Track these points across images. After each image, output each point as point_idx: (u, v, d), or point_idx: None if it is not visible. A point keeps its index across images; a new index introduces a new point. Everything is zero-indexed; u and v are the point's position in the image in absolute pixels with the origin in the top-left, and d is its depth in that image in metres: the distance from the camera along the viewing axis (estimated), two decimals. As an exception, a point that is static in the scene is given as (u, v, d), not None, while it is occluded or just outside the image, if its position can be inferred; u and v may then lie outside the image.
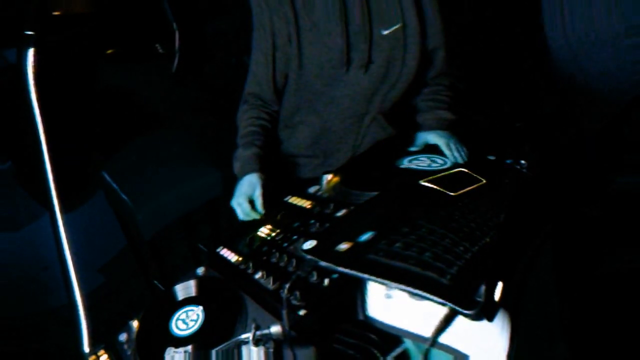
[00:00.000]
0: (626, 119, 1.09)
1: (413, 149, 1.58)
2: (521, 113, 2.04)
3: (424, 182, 1.12)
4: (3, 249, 2.45)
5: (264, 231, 1.31)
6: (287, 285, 0.94)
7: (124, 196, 2.04)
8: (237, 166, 1.59)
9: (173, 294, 1.19)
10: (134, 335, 1.14)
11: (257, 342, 0.92)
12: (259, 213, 1.43)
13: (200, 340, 1.03)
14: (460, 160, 1.46)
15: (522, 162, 1.24)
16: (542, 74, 2.10)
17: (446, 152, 1.51)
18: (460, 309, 0.69)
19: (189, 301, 1.16)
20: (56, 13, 2.22)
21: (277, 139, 1.81)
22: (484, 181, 1.13)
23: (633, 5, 1.71)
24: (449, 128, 1.64)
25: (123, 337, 1.15)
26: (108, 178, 2.13)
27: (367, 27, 1.53)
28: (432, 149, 1.54)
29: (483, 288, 0.71)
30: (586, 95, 1.93)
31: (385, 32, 1.54)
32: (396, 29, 1.55)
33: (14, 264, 2.38)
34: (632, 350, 1.20)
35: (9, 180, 2.57)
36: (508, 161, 1.27)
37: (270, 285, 1.06)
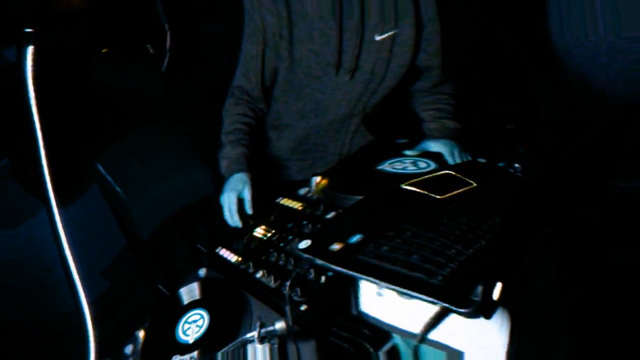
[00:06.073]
0: (625, 123, 1.09)
1: (409, 152, 1.56)
2: (514, 115, 2.05)
3: (406, 185, 1.12)
4: (4, 248, 2.45)
5: (259, 231, 1.35)
6: (288, 283, 0.98)
7: (118, 189, 2.05)
8: (223, 165, 1.58)
9: (178, 298, 1.21)
10: (139, 347, 1.14)
11: (262, 339, 0.97)
12: (248, 214, 1.45)
13: (206, 344, 1.05)
14: None
15: (516, 165, 1.22)
16: (539, 76, 2.12)
17: (449, 160, 1.49)
18: (453, 307, 0.71)
19: (193, 304, 1.17)
20: (54, 9, 2.22)
21: (265, 139, 1.80)
22: (475, 184, 1.11)
23: (634, 10, 1.72)
24: (455, 137, 1.64)
25: (129, 349, 1.16)
26: (102, 170, 2.14)
27: (360, 31, 1.50)
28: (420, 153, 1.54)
29: (480, 288, 0.72)
30: (584, 98, 1.95)
31: (379, 38, 1.52)
32: (390, 35, 1.52)
33: (16, 264, 2.38)
34: (636, 345, 1.21)
35: (5, 176, 2.56)
36: (500, 164, 1.25)
37: (272, 283, 1.11)
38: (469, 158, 1.52)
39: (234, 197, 1.46)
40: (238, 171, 1.54)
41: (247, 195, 1.47)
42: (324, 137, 1.73)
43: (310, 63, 1.54)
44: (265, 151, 1.81)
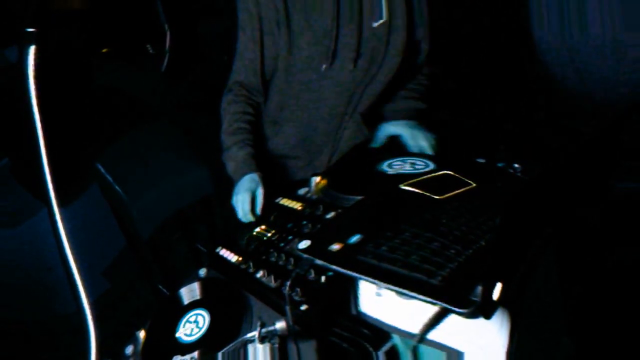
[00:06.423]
0: (625, 123, 1.09)
1: (375, 145, 1.58)
2: (514, 115, 2.05)
3: (404, 186, 1.12)
4: (4, 248, 2.44)
5: (259, 231, 1.35)
6: (288, 283, 0.98)
7: (117, 188, 2.05)
8: (231, 166, 1.56)
9: (179, 299, 1.21)
10: (140, 347, 1.14)
11: (262, 339, 0.97)
12: (257, 215, 1.44)
13: (207, 344, 1.05)
14: (426, 151, 1.45)
15: (516, 165, 1.21)
16: (539, 76, 2.12)
17: (410, 143, 1.49)
18: (452, 308, 0.71)
19: (194, 304, 1.17)
20: (54, 9, 2.22)
21: (262, 138, 1.78)
22: (474, 185, 1.11)
23: (634, 12, 1.73)
24: (417, 118, 1.63)
25: (129, 350, 1.15)
26: (103, 170, 2.15)
27: (358, 18, 1.50)
28: (414, 152, 1.54)
29: (480, 288, 0.72)
30: (583, 99, 1.95)
31: (375, 25, 1.52)
32: (384, 21, 1.53)
33: (16, 264, 2.38)
34: (635, 344, 1.21)
35: (6, 176, 2.56)
36: (500, 164, 1.25)
37: (272, 283, 1.11)
38: (434, 139, 1.52)
39: (248, 197, 1.44)
40: (249, 172, 1.53)
41: (260, 196, 1.46)
42: (322, 133, 1.72)
43: (309, 51, 1.53)
44: (263, 150, 1.79)
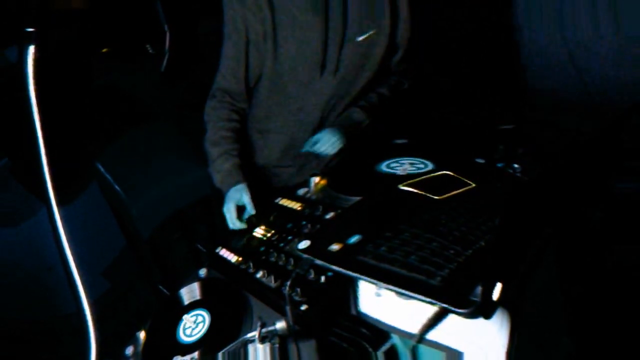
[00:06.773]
0: (625, 123, 1.09)
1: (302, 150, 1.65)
2: (513, 115, 2.04)
3: (404, 186, 1.12)
4: (4, 247, 2.44)
5: (259, 232, 1.36)
6: (288, 283, 0.98)
7: (117, 187, 2.06)
8: (217, 179, 1.58)
9: (179, 299, 1.21)
10: (140, 348, 1.14)
11: (262, 339, 0.97)
12: (244, 220, 1.46)
13: (207, 344, 1.05)
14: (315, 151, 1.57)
15: (515, 165, 1.21)
16: (538, 76, 2.12)
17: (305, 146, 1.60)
18: (452, 308, 0.71)
19: (194, 305, 1.17)
20: (54, 9, 2.23)
21: (252, 147, 1.80)
22: (473, 185, 1.11)
23: (634, 10, 1.73)
24: (355, 129, 1.65)
25: (129, 350, 1.16)
26: (102, 169, 2.15)
27: (341, 32, 1.51)
28: (412, 153, 1.56)
29: (480, 288, 0.72)
30: (583, 99, 1.95)
31: (360, 39, 1.53)
32: (370, 35, 1.54)
33: (16, 263, 2.38)
34: (635, 344, 1.21)
35: (6, 176, 2.56)
36: (499, 164, 1.24)
37: (272, 283, 1.11)
38: (335, 147, 1.59)
39: (233, 207, 1.48)
40: (234, 184, 1.54)
41: (246, 200, 1.49)
42: (304, 141, 1.72)
43: (295, 63, 1.54)
44: (253, 159, 1.81)
